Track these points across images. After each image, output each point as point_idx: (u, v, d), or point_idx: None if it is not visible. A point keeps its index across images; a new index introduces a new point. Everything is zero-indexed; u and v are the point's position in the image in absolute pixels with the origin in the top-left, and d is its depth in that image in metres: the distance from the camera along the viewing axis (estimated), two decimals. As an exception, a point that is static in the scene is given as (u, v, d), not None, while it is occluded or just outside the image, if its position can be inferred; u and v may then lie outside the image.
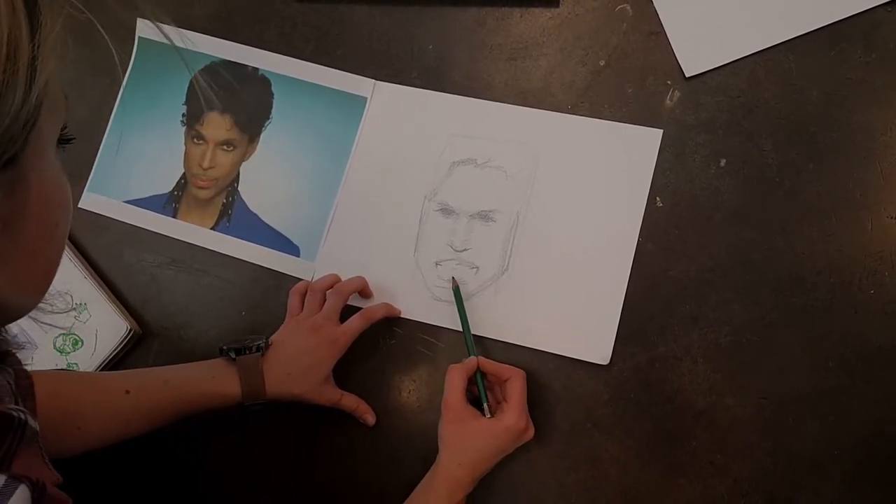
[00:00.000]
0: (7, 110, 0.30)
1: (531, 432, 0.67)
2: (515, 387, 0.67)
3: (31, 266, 0.37)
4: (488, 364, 0.69)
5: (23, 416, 0.42)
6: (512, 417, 0.66)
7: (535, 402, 0.71)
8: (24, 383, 0.53)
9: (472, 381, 0.69)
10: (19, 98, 0.30)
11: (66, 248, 0.80)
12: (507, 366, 0.69)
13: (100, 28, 0.38)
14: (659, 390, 0.70)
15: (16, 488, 0.36)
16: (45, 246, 0.38)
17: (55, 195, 0.38)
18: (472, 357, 0.69)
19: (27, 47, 0.30)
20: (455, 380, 0.67)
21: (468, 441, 0.66)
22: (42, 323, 0.42)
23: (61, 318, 0.44)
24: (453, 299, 0.73)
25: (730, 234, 0.70)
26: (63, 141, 0.39)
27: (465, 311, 0.72)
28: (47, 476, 0.41)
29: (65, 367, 0.79)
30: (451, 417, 0.66)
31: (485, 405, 0.68)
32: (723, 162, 0.71)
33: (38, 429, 0.44)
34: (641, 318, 0.71)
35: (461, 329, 0.72)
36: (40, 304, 0.40)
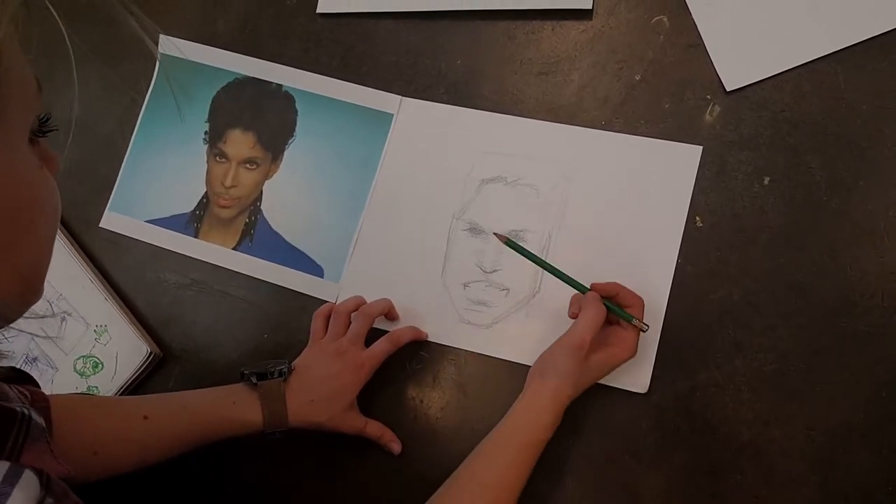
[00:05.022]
0: None
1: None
2: (639, 314, 0.65)
3: (7, 267, 0.35)
4: (610, 287, 0.66)
5: (27, 412, 0.42)
6: (633, 345, 0.64)
7: (570, 431, 0.68)
8: (41, 406, 0.53)
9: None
10: None
11: (87, 268, 0.79)
12: (626, 289, 0.66)
13: (144, 36, 0.37)
14: (701, 420, 0.67)
15: (21, 473, 0.35)
16: (20, 245, 0.35)
17: (27, 190, 0.35)
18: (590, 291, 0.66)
19: None
20: (598, 319, 0.63)
21: (586, 374, 0.64)
22: (24, 332, 0.41)
23: (33, 324, 0.41)
24: (480, 322, 0.71)
25: (775, 256, 0.67)
26: (41, 132, 0.37)
27: (536, 255, 0.67)
28: (55, 468, 0.40)
29: (85, 389, 0.78)
30: (580, 355, 0.63)
31: (634, 320, 0.65)
32: (766, 180, 0.68)
33: (44, 425, 0.43)
34: (681, 345, 0.68)
35: (550, 274, 0.67)
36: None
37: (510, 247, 0.66)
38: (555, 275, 0.66)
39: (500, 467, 0.62)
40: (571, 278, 0.66)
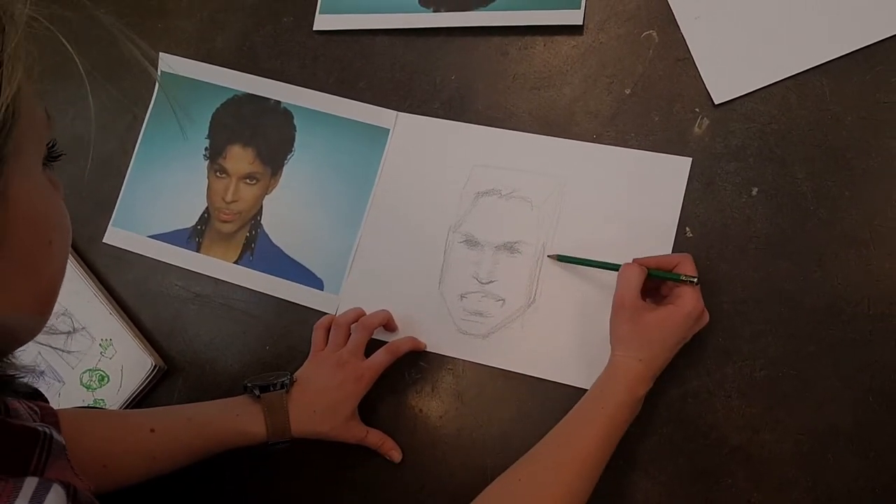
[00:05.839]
0: None
1: (707, 316, 0.65)
2: (688, 270, 0.64)
3: (30, 286, 0.37)
4: (652, 260, 0.66)
5: (48, 431, 0.44)
6: (691, 300, 0.63)
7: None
8: (50, 421, 0.54)
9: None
10: None
11: (91, 283, 0.80)
12: (669, 255, 0.67)
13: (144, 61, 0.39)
14: (692, 426, 0.68)
15: (49, 487, 0.37)
16: (41, 265, 0.38)
17: (45, 213, 0.38)
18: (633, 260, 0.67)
19: None
20: (633, 277, 0.64)
21: (647, 334, 0.63)
22: (45, 345, 0.43)
23: (61, 339, 0.44)
24: (477, 333, 0.72)
25: (763, 265, 0.68)
26: (51, 158, 0.40)
27: (586, 259, 0.70)
28: (78, 484, 0.41)
29: (91, 403, 0.79)
30: (626, 316, 0.63)
31: (682, 276, 0.64)
32: (755, 191, 0.70)
33: (64, 443, 0.45)
34: (673, 352, 0.69)
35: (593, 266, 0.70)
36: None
37: (562, 261, 0.71)
38: (610, 269, 0.69)
39: (575, 440, 0.61)
40: (608, 266, 0.69)
